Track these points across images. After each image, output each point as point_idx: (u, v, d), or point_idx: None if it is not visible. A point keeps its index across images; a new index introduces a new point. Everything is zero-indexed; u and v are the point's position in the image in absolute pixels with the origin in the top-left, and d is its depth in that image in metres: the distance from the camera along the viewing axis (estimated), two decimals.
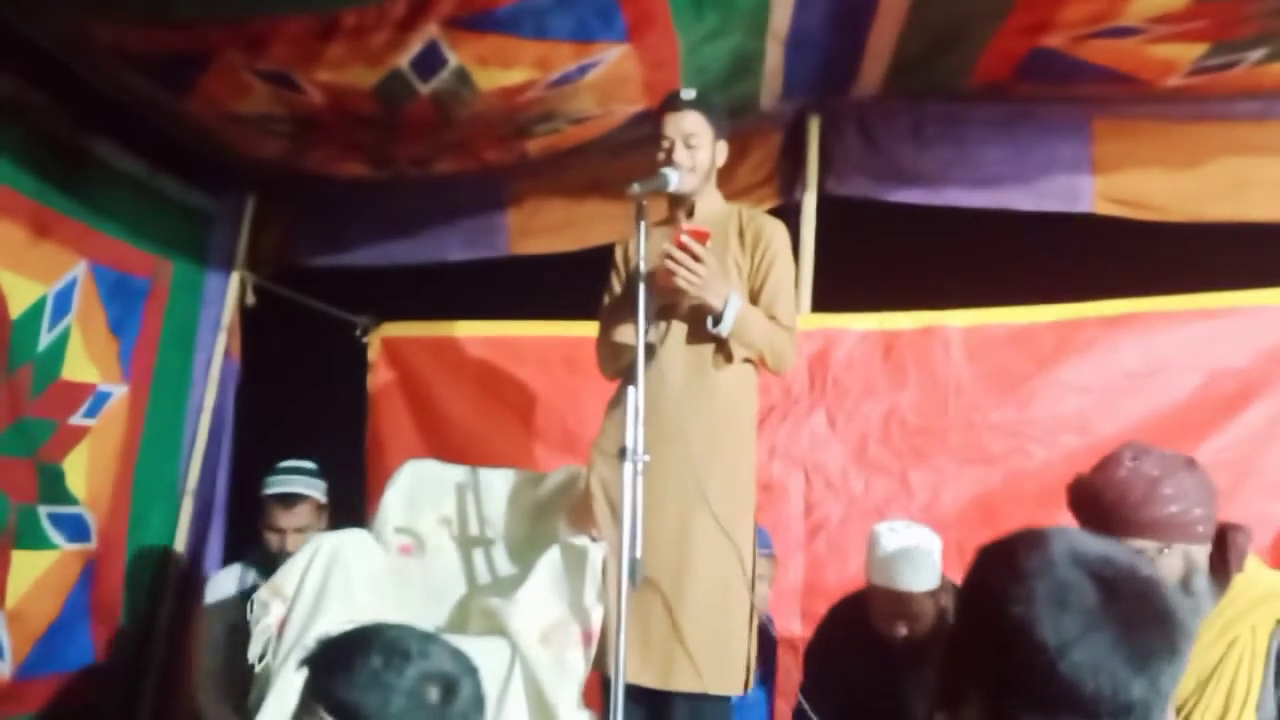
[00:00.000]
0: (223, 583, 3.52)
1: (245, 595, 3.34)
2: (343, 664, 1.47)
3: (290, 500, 3.43)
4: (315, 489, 3.51)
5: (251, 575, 3.45)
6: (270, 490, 3.48)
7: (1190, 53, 3.14)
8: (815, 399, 3.69)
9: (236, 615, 3.36)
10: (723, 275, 2.62)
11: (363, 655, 1.47)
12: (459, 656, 1.56)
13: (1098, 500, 2.04)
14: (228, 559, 3.93)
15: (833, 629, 3.01)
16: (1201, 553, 2.01)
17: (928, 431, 3.61)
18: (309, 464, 3.56)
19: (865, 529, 3.33)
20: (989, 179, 3.73)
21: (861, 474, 3.61)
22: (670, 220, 2.82)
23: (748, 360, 2.72)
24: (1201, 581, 2.00)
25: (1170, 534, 1.97)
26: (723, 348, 2.66)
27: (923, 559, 2.74)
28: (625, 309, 2.70)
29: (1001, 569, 1.14)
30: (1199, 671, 1.97)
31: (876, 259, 3.77)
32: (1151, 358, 3.52)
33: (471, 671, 1.55)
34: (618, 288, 2.86)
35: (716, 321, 2.60)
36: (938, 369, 3.64)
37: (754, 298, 2.71)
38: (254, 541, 3.53)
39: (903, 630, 2.76)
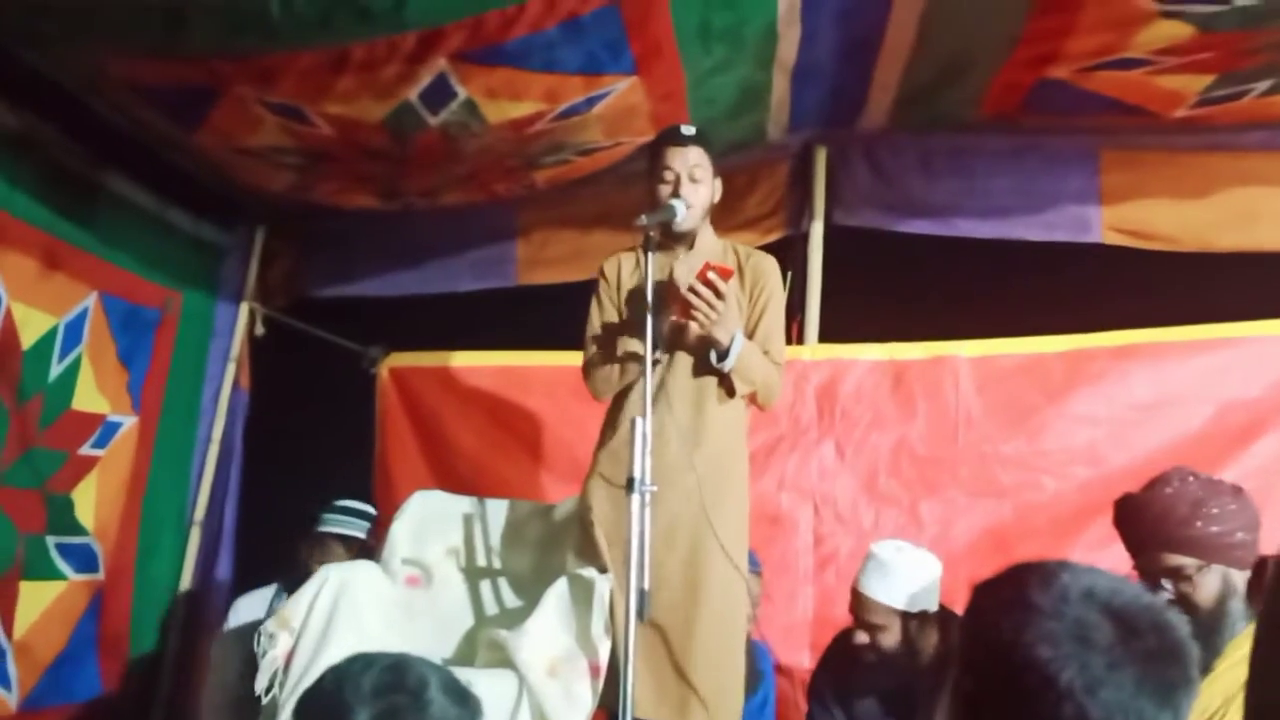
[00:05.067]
0: (251, 606, 3.43)
1: None
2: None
3: (350, 543, 3.43)
4: (370, 536, 3.51)
5: (284, 601, 3.40)
6: (334, 529, 3.48)
7: (1197, 84, 3.15)
8: (824, 429, 3.68)
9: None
10: (732, 313, 2.64)
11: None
12: (466, 698, 1.52)
13: (1144, 515, 2.09)
14: (236, 589, 3.90)
15: (835, 658, 2.99)
16: (1240, 577, 2.06)
17: (938, 463, 3.60)
18: (370, 509, 3.57)
19: None
20: (997, 209, 3.74)
21: (871, 506, 3.59)
22: (664, 247, 2.79)
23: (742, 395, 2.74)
24: (1237, 605, 2.04)
25: (1211, 553, 2.02)
26: (724, 382, 2.68)
27: (894, 572, 2.74)
28: (624, 333, 2.72)
29: (1013, 609, 1.09)
30: (1227, 688, 1.98)
31: (884, 289, 3.77)
32: (1162, 389, 3.50)
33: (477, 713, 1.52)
34: (610, 311, 2.84)
35: (721, 356, 2.62)
36: (947, 400, 3.62)
37: (749, 333, 2.74)
38: (291, 568, 3.46)
39: (861, 638, 2.75)
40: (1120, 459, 3.43)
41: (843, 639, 2.97)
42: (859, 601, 2.78)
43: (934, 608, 2.75)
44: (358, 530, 3.50)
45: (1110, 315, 3.57)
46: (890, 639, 2.73)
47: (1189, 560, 2.02)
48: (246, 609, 3.45)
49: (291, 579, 3.44)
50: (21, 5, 2.60)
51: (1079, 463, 3.50)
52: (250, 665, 3.15)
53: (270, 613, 3.38)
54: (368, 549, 3.46)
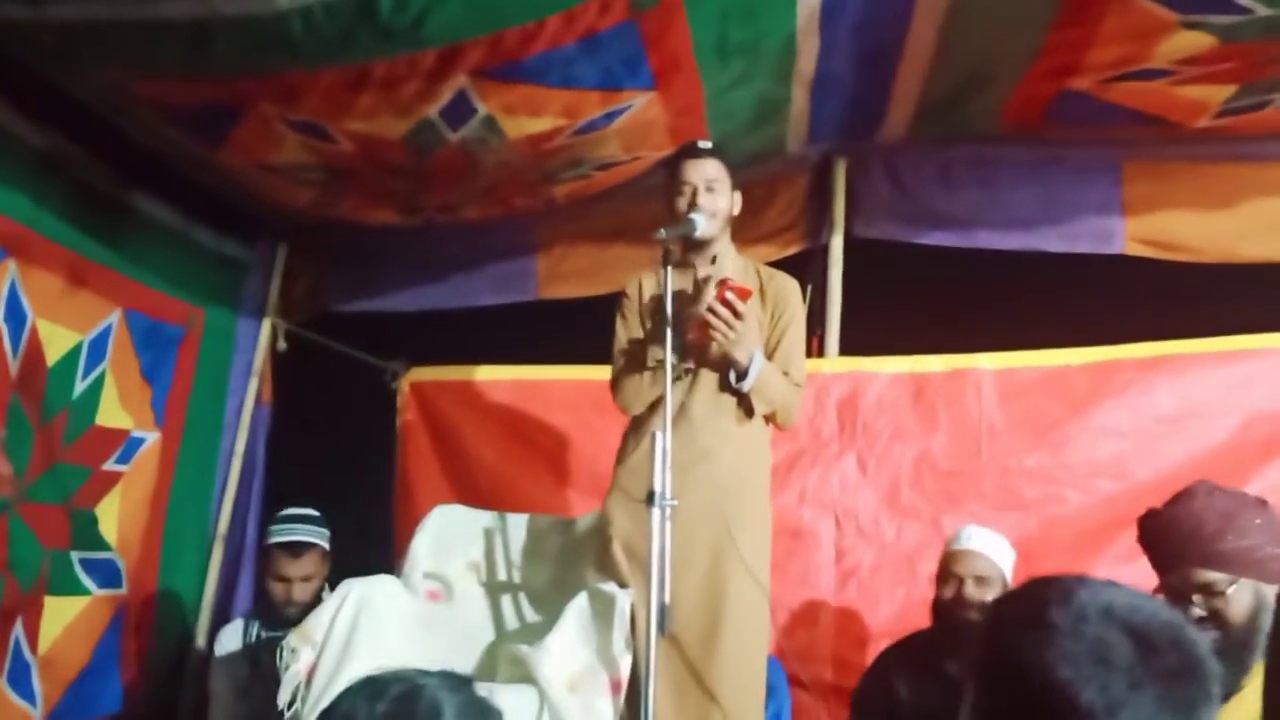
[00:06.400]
0: (229, 637, 3.53)
1: (250, 649, 3.39)
2: None
3: (297, 549, 3.42)
4: (320, 537, 3.49)
5: (255, 627, 3.46)
6: (276, 539, 3.46)
7: (1219, 94, 3.13)
8: (845, 443, 3.66)
9: (241, 670, 3.39)
10: (751, 333, 2.64)
11: None
12: (486, 715, 1.52)
13: (1171, 531, 2.05)
14: (257, 605, 3.93)
15: (886, 669, 2.98)
16: (1271, 591, 2.01)
17: (960, 476, 3.57)
18: (313, 511, 3.55)
19: (897, 576, 3.30)
20: (1019, 221, 3.72)
21: (893, 519, 3.57)
22: (685, 264, 2.82)
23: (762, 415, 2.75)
24: (1269, 619, 1.98)
25: (1242, 568, 1.98)
26: (743, 401, 2.69)
27: (995, 538, 2.91)
28: (650, 348, 2.72)
29: (1031, 628, 1.08)
30: (1257, 708, 1.94)
31: (905, 302, 3.76)
32: (1187, 401, 3.47)
33: None
34: (635, 327, 2.86)
35: (740, 377, 2.63)
36: (969, 412, 3.60)
37: (769, 353, 2.75)
38: (257, 593, 3.53)
39: (972, 592, 2.80)
40: (1145, 472, 3.40)
41: (904, 643, 2.99)
42: (965, 559, 2.87)
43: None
44: (302, 535, 3.45)
45: (1134, 327, 3.55)
46: (993, 593, 2.78)
47: (1221, 576, 1.97)
48: (228, 638, 3.54)
49: (256, 605, 3.59)
50: (48, 26, 2.62)
51: (1103, 476, 3.47)
52: (239, 691, 3.36)
53: (245, 640, 3.47)
54: (304, 546, 3.45)
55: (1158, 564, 2.10)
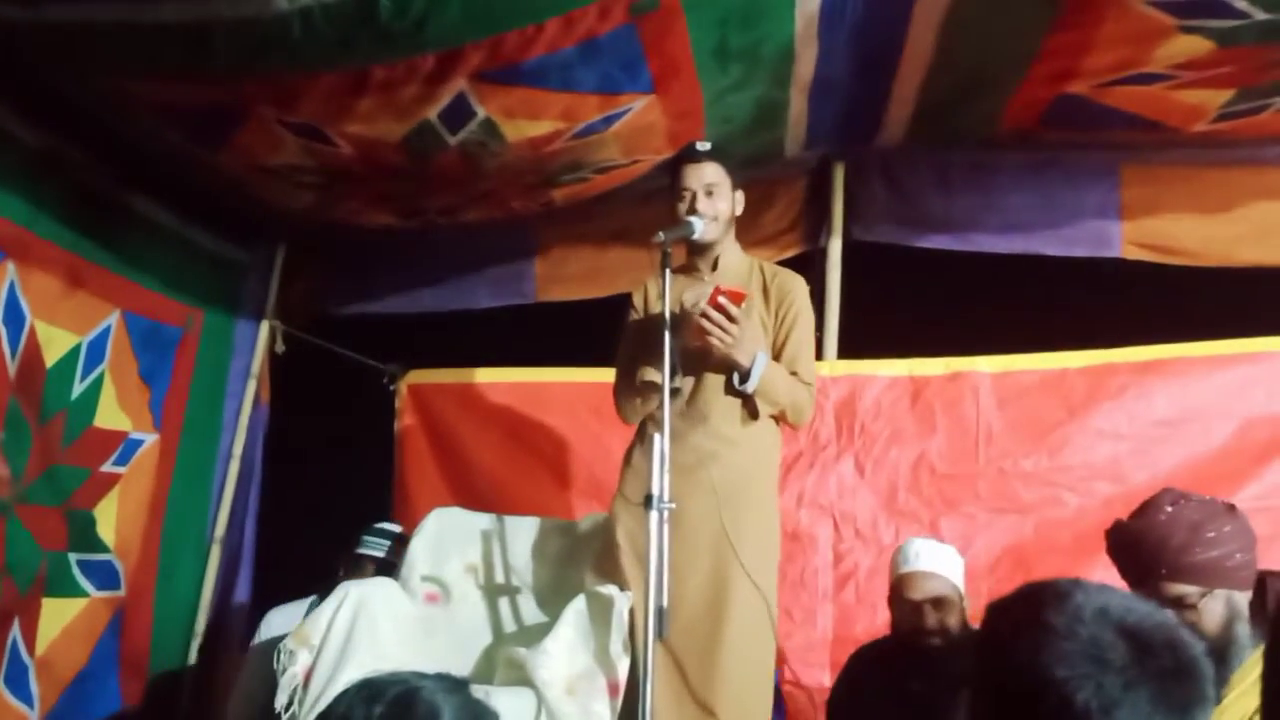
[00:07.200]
0: (285, 619, 3.41)
1: None
2: None
3: (388, 568, 3.42)
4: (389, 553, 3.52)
5: None
6: (372, 552, 3.49)
7: (1217, 98, 3.14)
8: (843, 446, 3.66)
9: None
10: (752, 334, 2.64)
11: None
12: (484, 714, 1.52)
13: (1139, 545, 2.02)
14: (255, 605, 3.91)
15: (855, 675, 2.96)
16: (1243, 599, 1.98)
17: (958, 479, 3.57)
18: (402, 532, 3.57)
19: None
20: (1017, 225, 3.73)
21: (891, 522, 3.57)
22: (689, 268, 2.83)
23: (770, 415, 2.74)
24: (1243, 628, 1.96)
25: (1213, 579, 1.94)
26: (748, 403, 2.68)
27: (944, 551, 2.81)
28: (649, 359, 2.70)
29: (1028, 630, 1.09)
30: (1236, 718, 1.93)
31: (903, 305, 3.77)
32: (1185, 404, 3.48)
33: None
34: (632, 343, 2.85)
35: (743, 379, 2.62)
36: (967, 415, 3.61)
37: (776, 353, 2.74)
38: (328, 584, 3.49)
39: (931, 619, 2.70)
40: (1142, 475, 3.40)
41: (873, 648, 2.95)
42: (918, 581, 2.74)
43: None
44: (393, 556, 3.48)
45: (1131, 330, 3.55)
46: (955, 619, 2.71)
47: (1191, 588, 1.93)
48: (279, 622, 3.45)
49: (327, 594, 3.48)
50: (47, 27, 2.62)
51: (1101, 479, 3.47)
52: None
53: None
54: (388, 566, 3.46)
55: (1127, 577, 2.05)
